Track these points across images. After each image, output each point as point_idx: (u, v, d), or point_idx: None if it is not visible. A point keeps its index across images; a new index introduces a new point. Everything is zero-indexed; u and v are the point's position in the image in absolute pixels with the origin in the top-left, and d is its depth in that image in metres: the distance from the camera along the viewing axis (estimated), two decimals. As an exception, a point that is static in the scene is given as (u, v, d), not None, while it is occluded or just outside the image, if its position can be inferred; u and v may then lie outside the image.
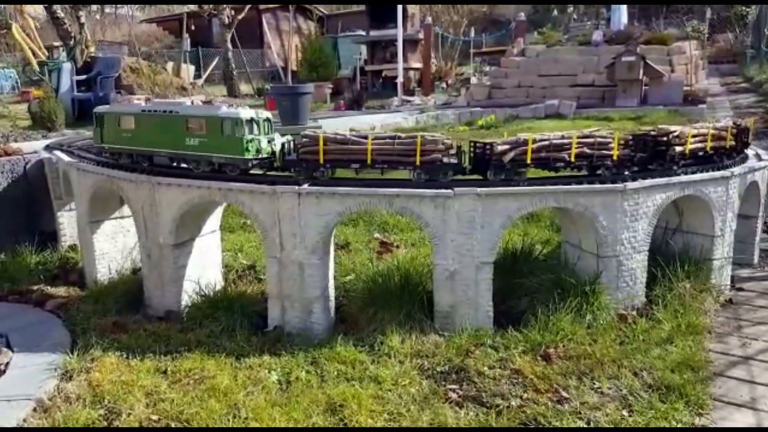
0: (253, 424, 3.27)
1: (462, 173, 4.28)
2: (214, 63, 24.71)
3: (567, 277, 4.33)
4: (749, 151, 5.41)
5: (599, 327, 4.12)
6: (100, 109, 5.44)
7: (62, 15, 15.67)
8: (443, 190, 4.03)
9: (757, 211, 5.39)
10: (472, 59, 21.82)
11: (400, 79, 18.71)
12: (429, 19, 20.96)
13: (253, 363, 3.91)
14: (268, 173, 4.59)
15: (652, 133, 4.48)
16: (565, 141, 4.16)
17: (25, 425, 3.36)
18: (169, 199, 4.64)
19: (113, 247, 5.73)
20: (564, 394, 3.46)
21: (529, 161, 4.13)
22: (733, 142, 4.83)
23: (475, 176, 4.30)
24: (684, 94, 13.79)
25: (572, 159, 4.17)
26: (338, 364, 3.84)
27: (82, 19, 16.63)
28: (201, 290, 4.85)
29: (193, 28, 26.05)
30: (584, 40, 16.97)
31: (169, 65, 22.05)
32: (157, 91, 15.71)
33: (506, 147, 4.11)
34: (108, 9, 35.47)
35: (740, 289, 4.99)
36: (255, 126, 4.44)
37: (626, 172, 4.26)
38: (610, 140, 4.19)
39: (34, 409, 3.49)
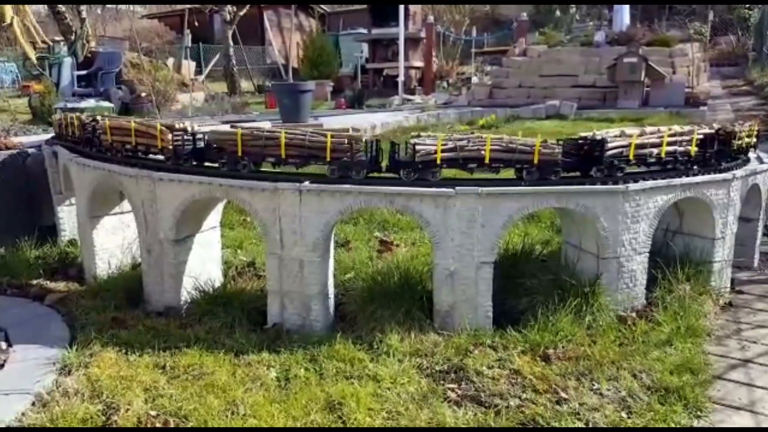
0: (252, 421, 3.27)
1: (378, 171, 4.28)
2: (215, 59, 24.67)
3: (567, 278, 4.32)
4: (751, 154, 5.41)
5: (599, 328, 4.12)
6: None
7: (63, 9, 15.65)
8: (444, 189, 4.02)
9: (758, 214, 5.39)
10: (473, 59, 21.80)
11: (401, 78, 18.70)
12: (431, 18, 20.95)
13: (252, 360, 3.90)
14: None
15: (581, 138, 4.33)
16: (480, 141, 4.11)
17: (24, 419, 3.35)
18: (169, 194, 4.64)
19: (113, 243, 5.72)
20: (563, 394, 3.46)
21: (438, 161, 4.09)
22: (699, 149, 4.55)
23: (391, 174, 4.28)
24: (685, 96, 13.81)
25: (487, 161, 4.14)
26: (337, 361, 3.84)
27: (84, 14, 16.61)
28: (200, 287, 4.85)
29: (195, 24, 26.04)
30: (586, 40, 16.99)
31: (170, 61, 22.04)
32: (158, 88, 15.66)
33: (422, 148, 4.04)
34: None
35: (740, 292, 4.99)
36: None
37: (554, 177, 4.16)
38: (529, 144, 4.11)
39: (33, 404, 3.48)
